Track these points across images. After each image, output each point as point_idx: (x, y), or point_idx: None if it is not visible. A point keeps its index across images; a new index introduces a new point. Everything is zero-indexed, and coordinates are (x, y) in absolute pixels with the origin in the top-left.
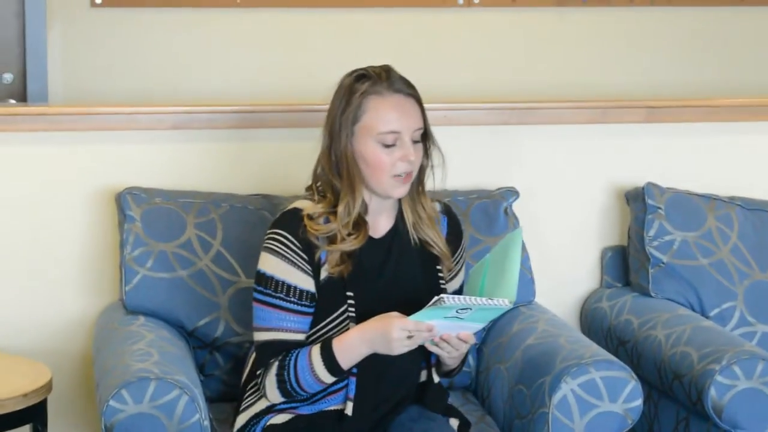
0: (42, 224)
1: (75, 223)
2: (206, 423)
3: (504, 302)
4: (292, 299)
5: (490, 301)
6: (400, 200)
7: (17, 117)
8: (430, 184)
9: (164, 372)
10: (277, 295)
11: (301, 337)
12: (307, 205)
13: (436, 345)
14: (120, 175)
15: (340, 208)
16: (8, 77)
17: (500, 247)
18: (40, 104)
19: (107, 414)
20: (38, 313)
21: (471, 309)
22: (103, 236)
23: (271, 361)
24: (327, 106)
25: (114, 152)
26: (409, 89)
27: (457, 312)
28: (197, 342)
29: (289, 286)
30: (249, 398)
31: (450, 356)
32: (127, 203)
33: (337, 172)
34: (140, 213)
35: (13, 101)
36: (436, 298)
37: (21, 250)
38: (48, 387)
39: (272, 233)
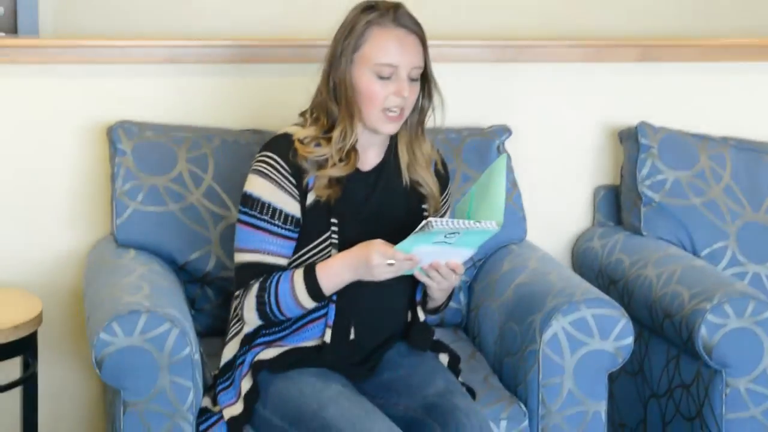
0: (33, 158)
1: (66, 157)
2: (197, 357)
3: (491, 225)
4: (277, 222)
5: (477, 224)
6: (392, 138)
7: (7, 49)
8: (429, 124)
9: (155, 305)
10: (262, 217)
11: (283, 261)
12: (297, 130)
13: (427, 275)
14: (112, 109)
15: (335, 133)
16: None
17: (485, 176)
18: (31, 36)
19: (98, 346)
20: (29, 246)
21: (459, 233)
22: (95, 170)
23: (252, 282)
24: (324, 42)
25: (106, 86)
26: (414, 26)
27: (445, 237)
28: (188, 276)
29: (274, 209)
30: (233, 327)
31: (439, 287)
32: (119, 137)
33: (335, 98)
34: (131, 147)
35: (2, 34)
36: (424, 222)
37: (12, 184)
38: (38, 319)
39: (262, 156)
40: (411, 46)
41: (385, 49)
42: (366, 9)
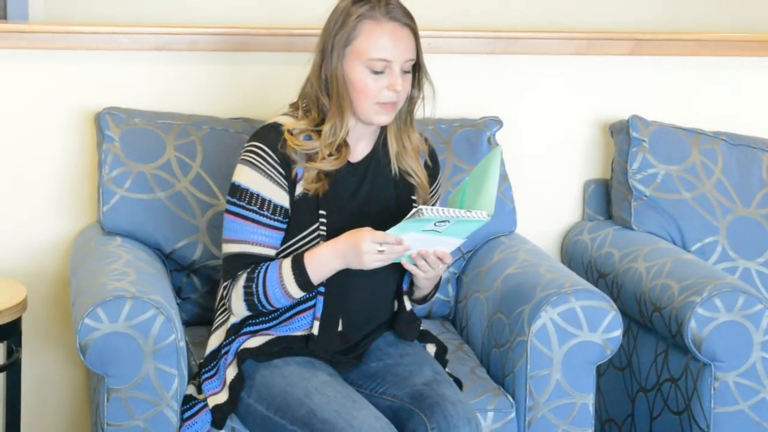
0: (20, 143)
1: (53, 143)
2: (182, 344)
3: (482, 214)
4: (266, 213)
5: (468, 213)
6: (382, 128)
7: None
8: (419, 114)
9: (140, 291)
10: (251, 207)
11: (271, 252)
12: (288, 121)
13: (414, 263)
14: (100, 96)
15: (326, 128)
16: None
17: (479, 167)
18: (20, 22)
19: (82, 332)
20: (15, 233)
21: (449, 222)
22: (82, 156)
23: (239, 273)
24: (315, 31)
25: (94, 72)
26: (406, 19)
27: (435, 225)
28: (174, 265)
29: (263, 200)
30: (219, 317)
31: (426, 276)
32: (106, 123)
33: (326, 92)
34: (119, 133)
35: None
36: (414, 209)
37: None
38: (23, 305)
39: (250, 146)
40: (403, 40)
41: (378, 45)
42: (357, 1)
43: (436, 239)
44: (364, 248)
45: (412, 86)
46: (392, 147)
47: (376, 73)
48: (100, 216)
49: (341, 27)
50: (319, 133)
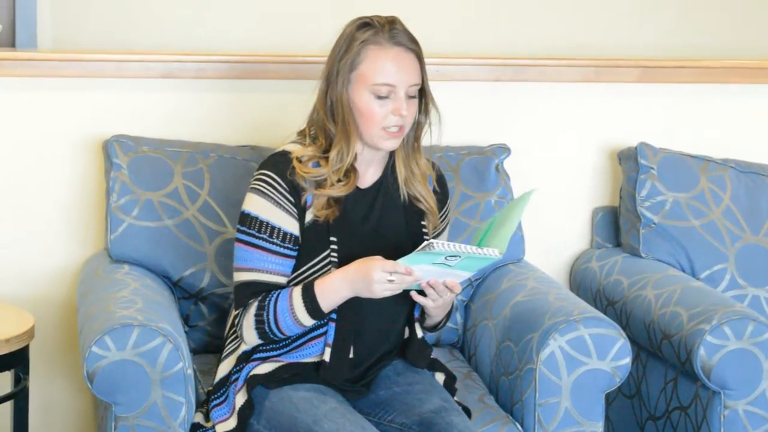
0: (28, 171)
1: (61, 170)
2: (189, 372)
3: (494, 252)
4: (276, 241)
5: (479, 249)
6: (391, 154)
7: (4, 62)
8: (426, 141)
9: (148, 319)
10: (260, 235)
11: (282, 280)
12: (296, 149)
13: (422, 293)
14: (108, 124)
15: (333, 154)
16: None
17: (509, 205)
18: (28, 50)
19: (89, 360)
20: (23, 260)
21: (460, 257)
22: (90, 184)
23: (250, 301)
24: (321, 59)
25: (102, 100)
26: (410, 44)
27: (445, 259)
28: (182, 293)
29: (272, 228)
30: (230, 345)
31: (435, 304)
32: (114, 151)
33: (332, 118)
34: (127, 161)
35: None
36: (425, 243)
37: (7, 197)
38: (30, 333)
39: (259, 174)
40: (408, 64)
41: (382, 70)
42: (361, 26)
43: (446, 272)
44: (375, 277)
45: (419, 111)
46: (400, 173)
47: (381, 98)
48: (108, 243)
49: (346, 52)
50: (327, 159)
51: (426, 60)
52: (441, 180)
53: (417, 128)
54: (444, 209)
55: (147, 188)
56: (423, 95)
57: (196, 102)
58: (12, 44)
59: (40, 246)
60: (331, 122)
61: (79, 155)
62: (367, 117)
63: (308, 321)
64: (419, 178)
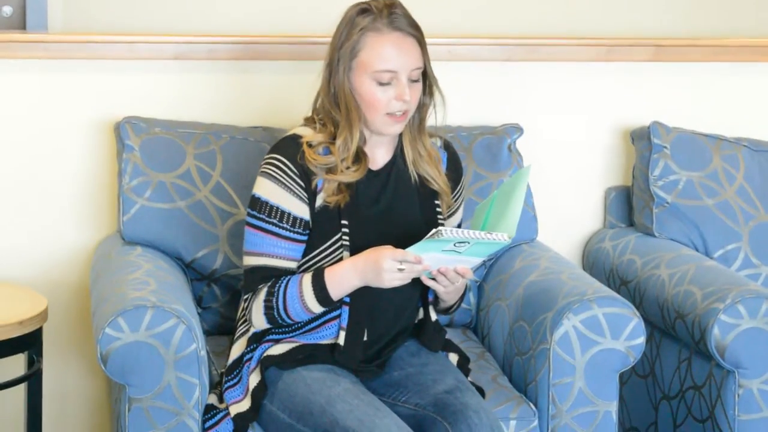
0: (41, 153)
1: (73, 153)
2: (203, 353)
3: (503, 237)
4: (286, 225)
5: (488, 235)
6: (400, 135)
7: (15, 44)
8: (431, 122)
9: (161, 301)
10: (271, 220)
11: (292, 265)
12: (307, 133)
13: (433, 278)
14: (119, 105)
15: (339, 142)
16: (7, 10)
17: (507, 184)
18: (39, 32)
19: (103, 342)
20: (36, 243)
21: (469, 243)
22: (102, 166)
23: (260, 286)
24: (329, 39)
25: (113, 82)
26: (410, 28)
27: (455, 245)
28: (195, 274)
29: (283, 212)
30: (241, 327)
31: (446, 290)
32: (126, 132)
33: (336, 105)
34: (139, 143)
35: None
36: (434, 230)
37: (19, 180)
38: (44, 315)
39: (270, 158)
40: (408, 49)
41: (383, 56)
42: (360, 12)
43: (455, 258)
44: (385, 266)
45: (423, 93)
46: (408, 154)
47: (383, 84)
48: (121, 225)
49: (346, 39)
50: (336, 145)
51: (437, 40)
52: (454, 158)
53: (421, 110)
54: (458, 188)
55: (159, 170)
56: (425, 77)
57: (208, 83)
58: (23, 27)
59: (53, 228)
60: (336, 110)
61: (91, 137)
62: (370, 104)
63: (317, 308)
64: (427, 159)
